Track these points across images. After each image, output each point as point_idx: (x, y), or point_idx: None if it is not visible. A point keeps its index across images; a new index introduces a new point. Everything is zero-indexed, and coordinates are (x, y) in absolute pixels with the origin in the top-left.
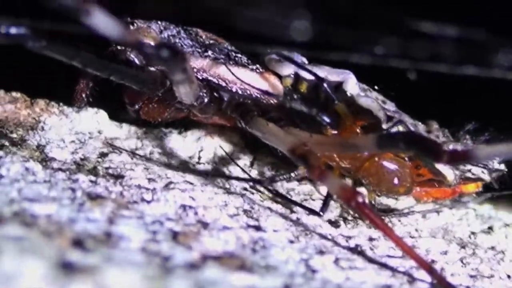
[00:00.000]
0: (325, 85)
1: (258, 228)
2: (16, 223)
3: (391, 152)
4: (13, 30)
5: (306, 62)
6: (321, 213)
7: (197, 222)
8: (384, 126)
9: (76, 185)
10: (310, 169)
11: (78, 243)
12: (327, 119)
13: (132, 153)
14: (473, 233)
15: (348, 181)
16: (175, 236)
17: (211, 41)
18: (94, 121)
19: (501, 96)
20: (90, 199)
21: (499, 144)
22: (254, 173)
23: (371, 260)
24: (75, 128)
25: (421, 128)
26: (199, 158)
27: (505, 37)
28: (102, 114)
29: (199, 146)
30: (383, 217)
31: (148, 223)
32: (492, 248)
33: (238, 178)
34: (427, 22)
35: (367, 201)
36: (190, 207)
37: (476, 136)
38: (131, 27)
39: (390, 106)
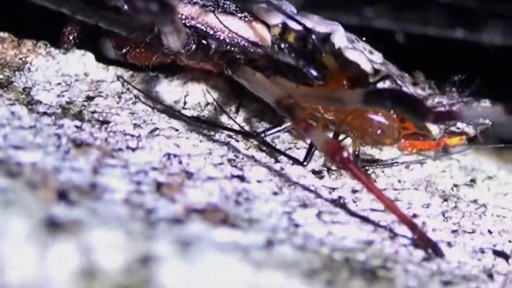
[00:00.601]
0: (313, 36)
1: (242, 179)
2: (1, 172)
3: (377, 109)
4: None
5: (295, 11)
6: (304, 163)
7: (182, 171)
8: (371, 79)
9: (61, 131)
10: (295, 121)
11: (63, 195)
12: (314, 72)
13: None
14: (455, 185)
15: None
16: (159, 187)
17: None
18: (80, 63)
19: (490, 61)
20: (75, 146)
21: (485, 105)
22: (239, 120)
23: (353, 214)
24: (62, 70)
25: (407, 79)
26: (185, 103)
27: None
28: (89, 56)
29: (185, 90)
30: (366, 168)
31: (132, 172)
32: (474, 201)
33: (226, 128)
34: None
35: (351, 155)
36: (175, 155)
37: (461, 88)
38: None
39: (378, 57)
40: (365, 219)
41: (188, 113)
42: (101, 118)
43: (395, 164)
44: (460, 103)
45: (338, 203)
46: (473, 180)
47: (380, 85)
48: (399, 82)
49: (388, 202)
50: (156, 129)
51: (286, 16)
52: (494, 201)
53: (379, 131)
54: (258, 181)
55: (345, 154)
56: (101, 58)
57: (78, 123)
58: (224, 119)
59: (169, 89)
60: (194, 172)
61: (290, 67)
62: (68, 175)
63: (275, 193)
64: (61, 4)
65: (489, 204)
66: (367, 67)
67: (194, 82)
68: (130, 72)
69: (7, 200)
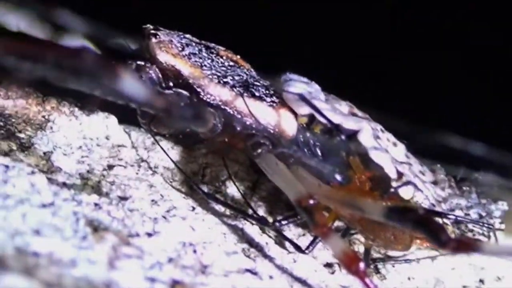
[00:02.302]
0: (341, 136)
1: (254, 273)
2: (18, 270)
3: (397, 226)
4: None
5: (323, 98)
6: (306, 251)
7: (195, 263)
8: (394, 184)
9: (79, 209)
10: (314, 226)
11: None
12: (338, 178)
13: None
14: (464, 286)
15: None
16: (173, 286)
17: (231, 63)
18: (103, 125)
19: None
20: (93, 229)
21: (506, 245)
22: (256, 197)
23: None
24: (84, 131)
25: (428, 177)
26: (203, 176)
27: None
28: (112, 120)
29: (205, 162)
30: (377, 265)
31: (147, 267)
32: None
33: (240, 211)
34: None
35: (366, 269)
36: (190, 244)
37: (480, 187)
38: (154, 40)
39: (401, 150)
40: None
41: (205, 187)
42: (119, 192)
43: (406, 261)
44: (478, 205)
45: None
46: (481, 281)
47: (402, 190)
48: (419, 188)
49: None
50: (173, 207)
51: (314, 109)
52: None
53: (391, 237)
54: (270, 277)
55: (361, 267)
56: (124, 120)
57: (96, 198)
58: (240, 196)
59: (189, 159)
60: (208, 265)
61: (314, 162)
62: (84, 271)
63: None
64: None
65: None
66: (391, 171)
67: (215, 154)
68: (152, 139)
69: None
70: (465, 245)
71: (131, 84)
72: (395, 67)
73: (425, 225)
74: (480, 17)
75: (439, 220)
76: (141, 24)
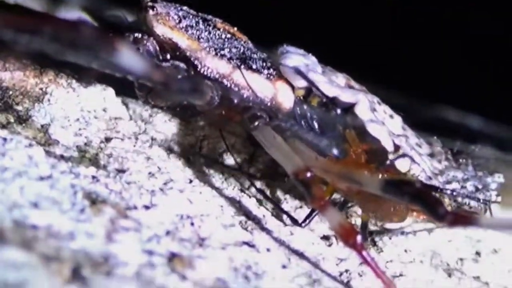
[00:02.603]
0: (337, 110)
1: (251, 246)
2: (17, 240)
3: (394, 199)
4: None
5: (320, 70)
6: (302, 224)
7: (193, 235)
8: (390, 156)
9: (77, 181)
10: (311, 198)
11: (76, 272)
12: (335, 151)
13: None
14: (460, 259)
15: None
16: (170, 259)
17: (228, 36)
18: (100, 97)
19: None
20: (90, 202)
21: (503, 218)
22: (253, 169)
23: None
24: (81, 103)
25: (424, 149)
26: (201, 147)
27: None
28: (109, 92)
29: (202, 134)
30: (374, 238)
31: (145, 239)
32: (477, 277)
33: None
34: None
35: (363, 242)
36: (188, 216)
37: (477, 159)
38: (151, 12)
39: (398, 122)
40: None
41: (202, 161)
42: (117, 165)
43: (403, 234)
44: (474, 178)
45: (345, 278)
46: (478, 253)
47: (398, 162)
48: (416, 160)
49: None
50: (171, 180)
51: (310, 83)
52: (497, 279)
53: (388, 208)
54: (268, 250)
55: (358, 240)
56: (121, 92)
57: (94, 170)
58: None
59: (186, 132)
60: (205, 237)
61: (311, 135)
62: (82, 244)
63: (284, 266)
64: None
65: (491, 283)
66: (387, 143)
67: (212, 126)
68: (149, 111)
69: (22, 280)
70: (462, 219)
71: (128, 57)
72: (393, 43)
73: (422, 199)
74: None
75: (436, 193)
76: None
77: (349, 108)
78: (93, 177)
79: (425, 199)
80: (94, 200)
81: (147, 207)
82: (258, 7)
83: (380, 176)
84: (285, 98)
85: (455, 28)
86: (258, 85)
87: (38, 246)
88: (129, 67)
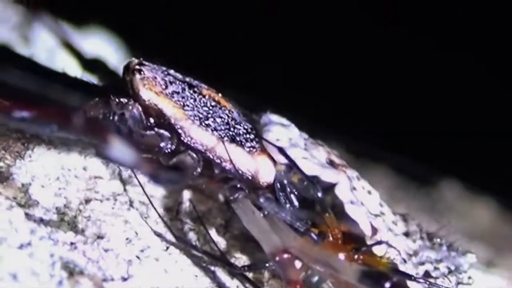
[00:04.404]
0: (318, 191)
1: None
2: None
3: None
4: None
5: (302, 145)
6: None
7: None
8: (368, 241)
9: (55, 249)
10: (287, 282)
11: None
12: (314, 236)
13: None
14: None
15: None
16: None
17: (213, 104)
18: (81, 156)
19: None
20: (68, 273)
21: None
22: (228, 236)
23: None
24: (62, 161)
25: (400, 227)
26: (177, 212)
27: None
28: (90, 150)
29: (180, 196)
30: None
31: None
32: None
33: (210, 255)
34: None
35: None
36: None
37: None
38: (138, 76)
39: (375, 200)
40: None
41: (180, 224)
42: (95, 229)
43: None
44: (447, 258)
45: None
46: None
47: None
48: (392, 245)
49: None
50: (147, 247)
51: (293, 163)
52: None
53: None
54: None
55: None
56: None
57: (72, 235)
58: (212, 233)
59: (163, 193)
60: None
61: (290, 212)
62: None
63: None
64: None
65: None
66: (365, 227)
67: (190, 189)
68: (129, 171)
69: None
70: None
71: (119, 150)
72: None
73: None
74: None
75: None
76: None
77: (329, 188)
78: (72, 243)
79: None
80: (72, 271)
81: (124, 279)
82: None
83: (356, 264)
84: (266, 173)
85: None
86: (240, 159)
87: None
88: (119, 159)
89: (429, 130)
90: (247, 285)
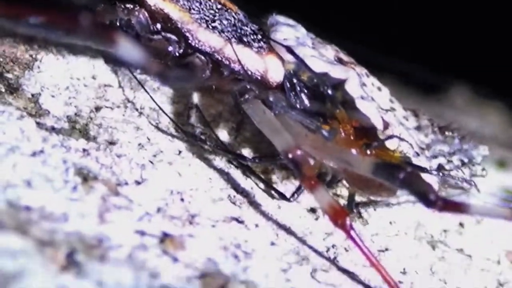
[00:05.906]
0: (328, 90)
1: (240, 222)
2: (12, 228)
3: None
4: None
5: (310, 44)
6: (291, 199)
7: (183, 212)
8: (380, 135)
9: (68, 156)
10: (301, 178)
11: (71, 260)
12: (325, 133)
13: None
14: (444, 231)
15: None
16: (162, 240)
17: (219, 6)
18: (89, 65)
19: None
20: (82, 178)
21: (493, 206)
22: (240, 139)
23: (345, 271)
24: (71, 71)
25: (411, 122)
26: (188, 116)
27: None
28: (99, 59)
29: (190, 102)
30: (360, 210)
31: (136, 218)
32: (461, 250)
33: (221, 149)
34: None
35: (353, 224)
36: (177, 192)
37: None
38: None
39: (385, 95)
40: (357, 279)
41: (190, 129)
42: (106, 136)
43: (388, 205)
44: (460, 151)
45: (332, 254)
46: (461, 224)
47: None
48: (404, 138)
49: (380, 268)
50: (160, 151)
51: (301, 61)
52: (480, 251)
53: (378, 185)
54: (256, 225)
55: (347, 221)
56: (110, 59)
57: (84, 143)
58: (224, 135)
59: (174, 99)
60: (195, 214)
61: (300, 111)
62: (75, 225)
63: (272, 243)
64: None
65: (474, 256)
66: (377, 121)
67: (199, 93)
68: (138, 76)
69: (19, 269)
70: (452, 206)
71: (126, 49)
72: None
73: (413, 184)
74: None
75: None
76: None
77: (339, 85)
78: (84, 150)
79: (416, 185)
80: (86, 177)
81: (138, 182)
82: None
83: (370, 157)
84: (275, 73)
85: None
86: (248, 59)
87: (33, 230)
88: (127, 58)
89: (437, 36)
90: (260, 184)
